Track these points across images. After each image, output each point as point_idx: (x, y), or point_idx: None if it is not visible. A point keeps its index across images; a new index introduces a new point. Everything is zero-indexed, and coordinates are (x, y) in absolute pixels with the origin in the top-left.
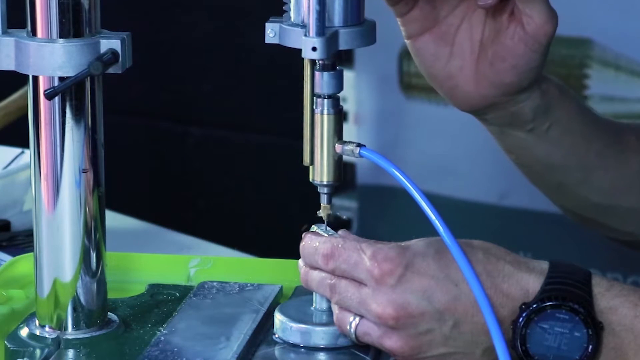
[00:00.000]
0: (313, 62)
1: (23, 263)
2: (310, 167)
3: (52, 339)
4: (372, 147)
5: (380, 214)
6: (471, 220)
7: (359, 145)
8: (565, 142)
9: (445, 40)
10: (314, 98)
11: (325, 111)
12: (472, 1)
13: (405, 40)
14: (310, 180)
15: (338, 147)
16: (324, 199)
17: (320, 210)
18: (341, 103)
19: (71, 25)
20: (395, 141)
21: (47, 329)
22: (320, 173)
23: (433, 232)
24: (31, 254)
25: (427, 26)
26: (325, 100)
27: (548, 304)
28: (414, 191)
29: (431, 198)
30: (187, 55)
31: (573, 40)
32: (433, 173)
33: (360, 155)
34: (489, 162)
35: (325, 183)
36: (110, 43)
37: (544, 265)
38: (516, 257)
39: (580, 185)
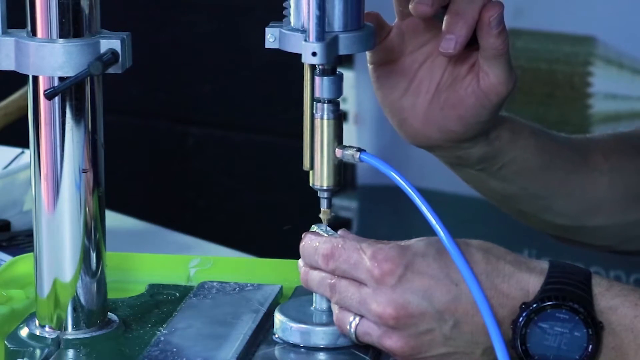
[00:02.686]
0: (313, 67)
1: (23, 263)
2: (310, 171)
3: (52, 339)
4: (372, 147)
5: (380, 214)
6: (475, 217)
7: (360, 150)
8: (521, 178)
9: (406, 75)
10: (314, 103)
11: (325, 116)
12: (438, 44)
13: (368, 65)
14: (310, 184)
15: (338, 152)
16: (324, 204)
17: (320, 215)
18: (341, 103)
19: (71, 25)
20: (395, 141)
21: (47, 329)
22: (320, 178)
23: (433, 232)
24: (31, 254)
25: (392, 57)
26: (325, 105)
27: (548, 303)
28: (414, 195)
29: (434, 195)
30: (187, 55)
31: (577, 38)
32: (435, 170)
33: (361, 160)
34: None
35: (325, 188)
36: (110, 43)
37: (544, 265)
38: (516, 256)
39: (542, 211)
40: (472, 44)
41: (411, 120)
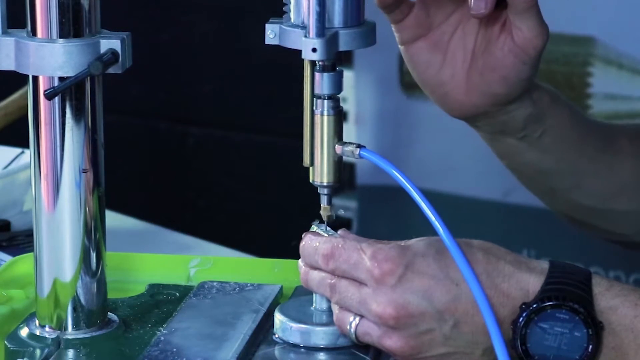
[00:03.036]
0: (313, 63)
1: (23, 263)
2: (310, 168)
3: (52, 339)
4: (373, 147)
5: (380, 214)
6: (475, 218)
7: (359, 146)
8: (557, 149)
9: (439, 48)
10: (314, 99)
11: (325, 112)
12: (466, 10)
13: (399, 46)
14: (310, 181)
15: (338, 148)
16: (324, 200)
17: (321, 211)
18: (341, 103)
19: (71, 25)
20: (396, 140)
21: (47, 329)
22: (320, 174)
23: (433, 231)
24: (31, 254)
25: (421, 33)
26: (325, 101)
27: (548, 303)
28: (413, 192)
29: (434, 196)
30: (187, 55)
31: (576, 38)
32: (436, 171)
33: (361, 157)
34: (493, 159)
35: (325, 184)
36: (110, 43)
37: (544, 265)
38: (516, 256)
39: (572, 190)
40: (499, 3)
41: (453, 92)
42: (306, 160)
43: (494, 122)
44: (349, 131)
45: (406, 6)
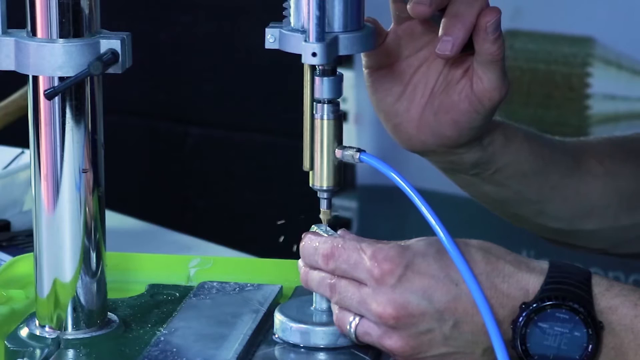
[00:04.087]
0: (313, 67)
1: (23, 263)
2: (310, 172)
3: (52, 339)
4: (372, 147)
5: (380, 214)
6: (475, 218)
7: (359, 150)
8: (514, 183)
9: (401, 80)
10: (314, 103)
11: (325, 116)
12: (434, 48)
13: (364, 69)
14: (310, 185)
15: (338, 152)
16: (323, 204)
17: (320, 215)
18: (341, 103)
19: (71, 25)
20: (395, 141)
21: (47, 329)
22: (320, 178)
23: (433, 232)
24: (31, 254)
25: (388, 62)
26: (325, 105)
27: (548, 303)
28: (413, 196)
29: (433, 195)
30: (187, 55)
31: (575, 38)
32: (436, 171)
33: (361, 161)
34: None
35: (325, 188)
36: (110, 43)
37: (544, 265)
38: (516, 256)
39: (535, 215)
40: (467, 48)
41: (405, 125)
42: (306, 165)
43: (444, 160)
44: (349, 131)
45: (381, 36)
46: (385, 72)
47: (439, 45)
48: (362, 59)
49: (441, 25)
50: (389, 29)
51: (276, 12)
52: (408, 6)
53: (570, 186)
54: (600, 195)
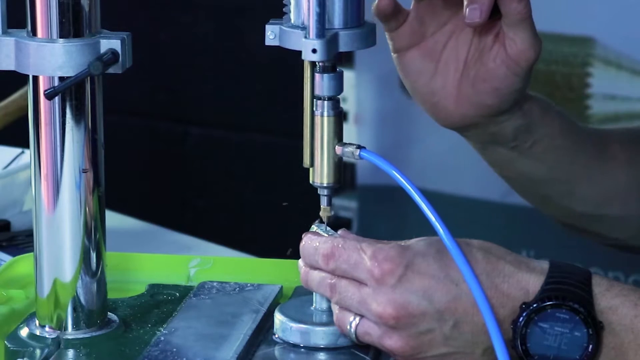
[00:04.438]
0: (313, 64)
1: (23, 263)
2: (310, 169)
3: (52, 339)
4: (373, 147)
5: (380, 214)
6: (475, 218)
7: (359, 147)
8: (549, 158)
9: (431, 57)
10: (314, 100)
11: (325, 113)
12: (460, 20)
13: (392, 54)
14: (310, 182)
15: (338, 149)
16: (324, 201)
17: (321, 212)
18: (341, 103)
19: (71, 25)
20: (396, 140)
21: (47, 329)
22: (320, 175)
23: (433, 232)
24: (31, 254)
25: (414, 41)
26: (326, 102)
27: (548, 303)
28: (414, 193)
29: (434, 196)
30: (187, 55)
31: (576, 38)
32: (435, 171)
33: (361, 157)
34: None
35: (325, 185)
36: (110, 43)
37: (545, 265)
38: (517, 256)
39: (564, 197)
40: (493, 13)
41: (443, 102)
42: (306, 161)
43: (484, 133)
44: (349, 131)
45: (401, 15)
46: (413, 53)
47: (468, 14)
48: (389, 43)
49: None
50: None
51: (276, 12)
52: None
53: (597, 168)
54: (624, 181)
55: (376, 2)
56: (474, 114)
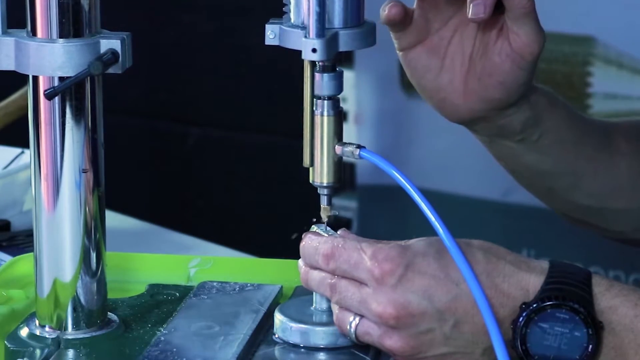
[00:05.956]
0: (313, 64)
1: (23, 263)
2: (310, 168)
3: (52, 339)
4: (373, 147)
5: (380, 214)
6: (475, 217)
7: (359, 146)
8: (555, 150)
9: (437, 53)
10: (314, 99)
11: (325, 113)
12: (464, 15)
13: (397, 52)
14: (310, 181)
15: (338, 149)
16: (324, 201)
17: (321, 212)
18: (341, 103)
19: (71, 25)
20: (396, 140)
21: (47, 329)
22: (320, 174)
23: (433, 231)
24: (31, 254)
25: (419, 39)
26: (325, 101)
27: (548, 303)
28: (413, 193)
29: (434, 196)
30: (187, 55)
31: (576, 38)
32: (436, 170)
33: (361, 157)
34: (493, 159)
35: (325, 184)
36: (110, 43)
37: (545, 264)
38: (517, 256)
39: (570, 189)
40: (496, 8)
41: (451, 97)
42: (306, 161)
43: (492, 126)
44: (349, 131)
45: (408, 17)
46: (419, 50)
47: (472, 10)
48: (394, 42)
49: None
50: (413, 7)
51: (276, 12)
52: None
53: (603, 161)
54: (628, 174)
55: (386, 11)
56: (482, 107)
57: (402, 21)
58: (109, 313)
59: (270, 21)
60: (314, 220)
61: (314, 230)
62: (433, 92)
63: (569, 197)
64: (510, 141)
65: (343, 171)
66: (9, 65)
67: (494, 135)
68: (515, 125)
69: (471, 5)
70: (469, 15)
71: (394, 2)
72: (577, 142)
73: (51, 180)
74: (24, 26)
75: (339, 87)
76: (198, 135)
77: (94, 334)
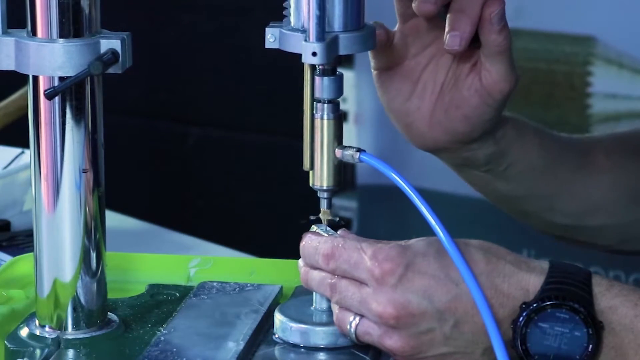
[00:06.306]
0: (313, 67)
1: (23, 263)
2: (310, 172)
3: (52, 339)
4: (372, 147)
5: (380, 214)
6: (475, 218)
7: (359, 150)
8: (526, 178)
9: (410, 78)
10: (314, 103)
11: (325, 116)
12: (441, 44)
13: (372, 71)
14: (310, 185)
15: (338, 152)
16: (323, 204)
17: (320, 215)
18: (341, 103)
19: (71, 25)
20: (396, 141)
21: (47, 329)
22: (320, 178)
23: (433, 232)
24: (31, 254)
25: (396, 61)
26: (325, 105)
27: (548, 303)
28: (413, 196)
29: (434, 196)
30: (187, 55)
31: (577, 37)
32: (435, 170)
33: (360, 160)
34: None
35: (325, 188)
36: (110, 43)
37: (544, 264)
38: (517, 256)
39: (545, 211)
40: (473, 42)
41: (417, 123)
42: (306, 164)
43: (456, 157)
44: (349, 131)
45: (389, 38)
46: (394, 72)
47: (448, 41)
48: (371, 60)
49: (447, 21)
50: (394, 29)
51: (277, 12)
52: (413, 4)
53: (579, 181)
54: (607, 190)
55: None
56: (445, 139)
57: (383, 43)
58: (109, 313)
59: (270, 24)
60: (312, 218)
61: (314, 230)
62: (401, 116)
63: (545, 217)
64: (476, 170)
65: (343, 171)
66: (9, 65)
67: (459, 165)
68: (480, 158)
69: (448, 35)
70: (445, 45)
71: (378, 23)
72: (550, 167)
73: (51, 180)
74: (24, 26)
75: (339, 91)
76: (198, 135)
77: (94, 334)
